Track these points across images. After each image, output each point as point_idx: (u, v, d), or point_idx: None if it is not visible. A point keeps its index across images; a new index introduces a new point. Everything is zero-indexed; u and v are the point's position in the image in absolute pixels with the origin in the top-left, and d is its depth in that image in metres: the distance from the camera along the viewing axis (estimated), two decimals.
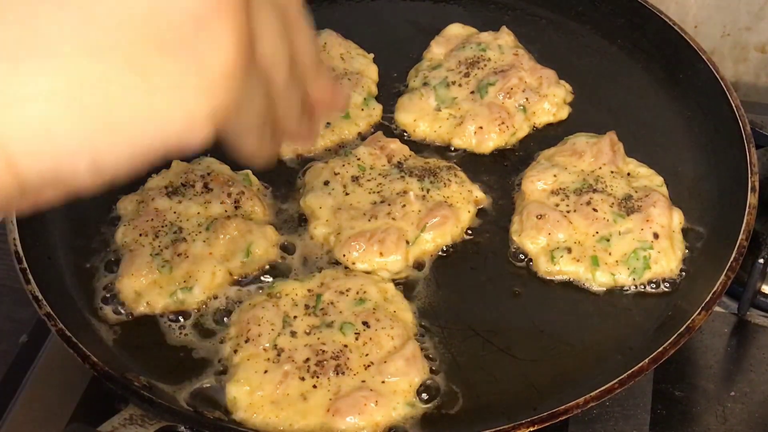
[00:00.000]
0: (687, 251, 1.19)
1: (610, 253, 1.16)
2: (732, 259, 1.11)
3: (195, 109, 0.57)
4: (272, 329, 1.07)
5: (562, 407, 0.98)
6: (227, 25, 0.57)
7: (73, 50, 0.53)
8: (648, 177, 1.26)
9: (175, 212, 1.19)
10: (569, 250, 1.17)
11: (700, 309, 1.06)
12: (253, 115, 0.65)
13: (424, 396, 1.05)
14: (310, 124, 0.76)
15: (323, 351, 1.05)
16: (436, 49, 1.45)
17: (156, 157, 0.59)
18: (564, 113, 1.38)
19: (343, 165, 1.26)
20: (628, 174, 1.27)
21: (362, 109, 1.36)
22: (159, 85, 0.55)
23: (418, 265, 1.19)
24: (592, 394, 0.99)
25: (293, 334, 1.07)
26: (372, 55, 1.46)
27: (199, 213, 1.20)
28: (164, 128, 0.57)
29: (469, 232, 1.23)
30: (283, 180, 1.30)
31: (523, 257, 1.19)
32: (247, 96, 0.62)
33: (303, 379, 1.03)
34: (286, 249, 1.20)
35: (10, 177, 0.54)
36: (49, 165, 0.55)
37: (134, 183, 1.25)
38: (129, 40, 0.54)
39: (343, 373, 1.03)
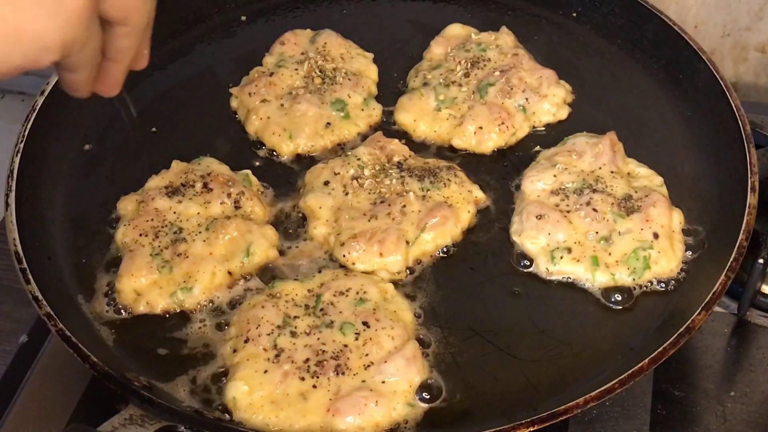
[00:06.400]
0: (687, 251, 1.19)
1: (610, 253, 1.16)
2: (732, 259, 1.11)
3: (50, 38, 0.76)
4: (272, 329, 1.07)
5: (562, 407, 0.98)
6: None
7: None
8: (648, 177, 1.26)
9: (175, 212, 1.19)
10: (569, 250, 1.17)
11: (700, 309, 1.06)
12: (89, 52, 0.82)
13: (424, 396, 1.05)
14: (125, 72, 0.92)
15: (323, 351, 1.05)
16: (436, 49, 1.45)
17: (15, 70, 0.76)
18: (564, 113, 1.38)
19: (343, 165, 1.26)
20: (628, 174, 1.27)
21: (362, 109, 1.36)
22: (27, 16, 0.74)
23: (418, 266, 1.19)
24: (592, 394, 0.99)
25: (293, 334, 1.07)
26: (372, 55, 1.46)
27: (199, 213, 1.20)
28: (25, 49, 0.75)
29: (469, 232, 1.23)
30: (283, 180, 1.30)
31: (523, 257, 1.19)
32: (89, 35, 0.80)
33: (303, 379, 1.03)
34: (286, 249, 1.20)
35: None
36: None
37: (134, 183, 1.25)
38: None
39: (343, 373, 1.03)
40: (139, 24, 0.85)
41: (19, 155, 1.23)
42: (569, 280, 1.17)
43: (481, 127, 1.32)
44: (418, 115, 1.36)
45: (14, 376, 1.24)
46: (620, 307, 1.14)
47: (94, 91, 0.93)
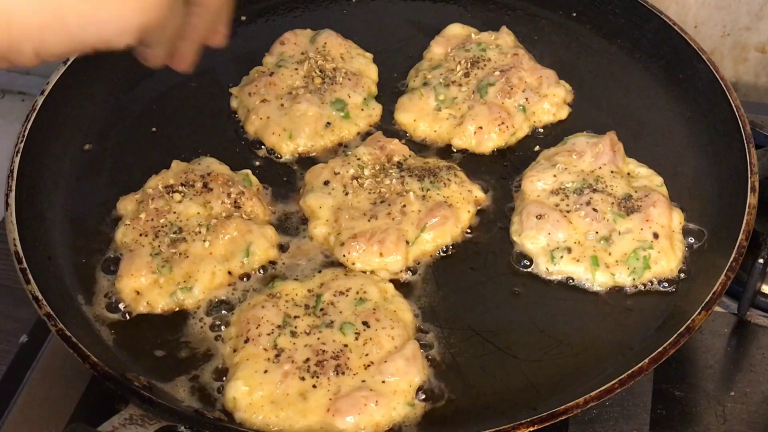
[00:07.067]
0: (687, 251, 1.19)
1: (610, 253, 1.16)
2: (732, 259, 1.11)
3: (129, 21, 0.72)
4: (272, 329, 1.07)
5: (562, 407, 0.98)
6: None
7: None
8: (648, 177, 1.26)
9: (175, 212, 1.20)
10: (569, 250, 1.17)
11: (700, 309, 1.06)
12: (167, 31, 0.80)
13: (424, 396, 1.05)
14: (197, 49, 0.91)
15: (323, 351, 1.05)
16: (436, 49, 1.45)
17: (86, 50, 0.73)
18: (564, 113, 1.38)
19: (343, 165, 1.26)
20: (628, 174, 1.27)
21: (362, 109, 1.37)
22: None
23: (418, 265, 1.19)
24: (592, 394, 0.99)
25: (293, 334, 1.07)
26: (371, 55, 1.46)
27: (199, 213, 1.20)
28: (100, 32, 0.71)
29: (469, 232, 1.23)
30: (283, 180, 1.30)
31: (523, 257, 1.19)
32: (170, 18, 0.77)
33: (303, 378, 1.03)
34: (286, 249, 1.20)
35: None
36: (2, 43, 0.69)
37: (134, 183, 1.25)
38: None
39: (343, 373, 1.03)
40: (212, 4, 0.85)
41: (19, 155, 1.23)
42: (569, 280, 1.17)
43: (481, 127, 1.32)
44: (418, 115, 1.36)
45: (14, 376, 1.24)
46: (620, 307, 1.14)
47: (168, 65, 0.91)
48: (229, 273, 1.15)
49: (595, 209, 1.19)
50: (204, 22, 0.86)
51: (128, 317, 1.12)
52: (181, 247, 1.15)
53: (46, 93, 1.31)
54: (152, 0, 0.72)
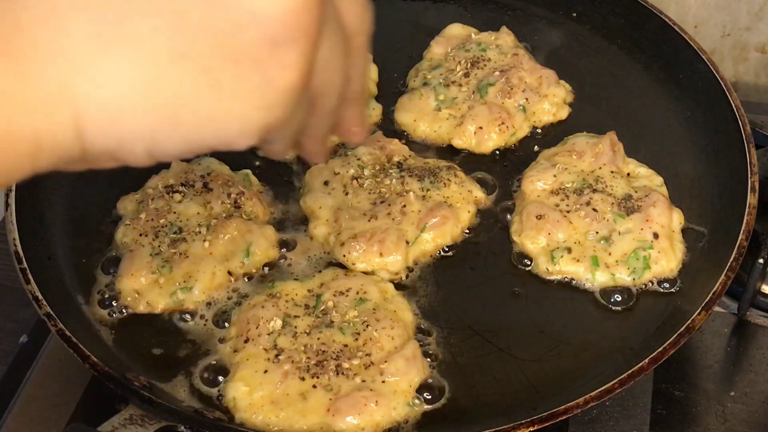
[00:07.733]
0: (687, 251, 1.19)
1: (610, 253, 1.16)
2: (732, 259, 1.11)
3: (251, 121, 0.64)
4: (272, 329, 1.07)
5: (562, 407, 0.98)
6: (299, 51, 0.63)
7: (159, 51, 0.60)
8: (648, 177, 1.26)
9: (175, 212, 1.20)
10: (569, 250, 1.17)
11: (700, 309, 1.06)
12: (290, 129, 0.73)
13: (424, 396, 1.05)
14: (325, 143, 0.83)
15: (323, 351, 1.05)
16: (436, 49, 1.45)
17: (203, 151, 0.66)
18: (564, 113, 1.38)
19: (343, 165, 1.26)
20: (628, 174, 1.27)
21: None
22: (225, 94, 0.62)
23: (418, 266, 1.19)
24: (592, 394, 0.99)
25: (293, 334, 1.07)
26: (371, 55, 1.45)
27: (199, 213, 1.20)
28: (219, 132, 0.64)
29: (469, 232, 1.23)
30: (283, 180, 1.30)
31: (523, 257, 1.19)
32: (293, 115, 0.68)
33: (303, 379, 1.03)
34: (286, 249, 1.20)
35: (76, 145, 0.62)
36: (111, 142, 0.63)
37: (134, 183, 1.25)
38: (210, 51, 0.61)
39: (343, 373, 1.03)
40: (324, 106, 0.74)
41: None
42: (569, 280, 1.17)
43: (481, 127, 1.32)
44: (418, 115, 1.36)
45: (14, 376, 1.24)
46: (620, 307, 1.14)
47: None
48: (229, 273, 1.15)
49: (595, 209, 1.19)
50: (321, 121, 0.77)
51: (128, 317, 1.12)
52: (181, 247, 1.15)
53: None
54: (277, 98, 0.64)
